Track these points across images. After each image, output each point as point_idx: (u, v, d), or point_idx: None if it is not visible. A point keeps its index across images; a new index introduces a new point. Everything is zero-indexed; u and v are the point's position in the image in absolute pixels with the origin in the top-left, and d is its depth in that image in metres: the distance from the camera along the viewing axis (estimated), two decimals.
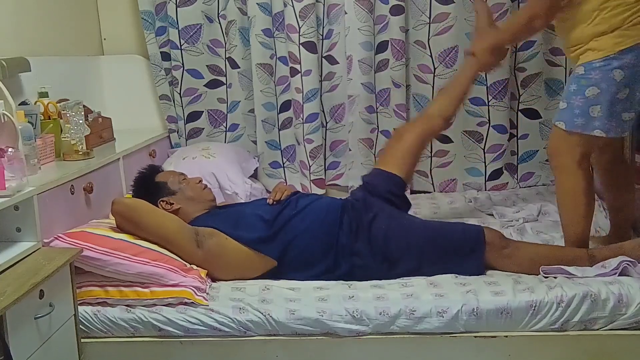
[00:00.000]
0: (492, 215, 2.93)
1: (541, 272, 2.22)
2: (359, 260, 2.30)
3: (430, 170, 3.42)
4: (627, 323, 2.03)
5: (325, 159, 3.46)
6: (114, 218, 2.32)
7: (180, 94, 3.45)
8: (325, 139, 3.43)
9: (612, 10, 2.16)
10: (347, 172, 3.45)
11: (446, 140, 3.36)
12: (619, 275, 2.14)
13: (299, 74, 3.26)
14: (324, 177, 3.44)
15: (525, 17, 2.38)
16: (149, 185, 2.50)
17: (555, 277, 2.17)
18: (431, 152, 3.39)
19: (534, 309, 2.04)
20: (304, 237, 2.32)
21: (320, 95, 3.36)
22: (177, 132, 3.51)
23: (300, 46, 3.23)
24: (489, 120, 3.30)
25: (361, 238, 2.32)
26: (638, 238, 2.36)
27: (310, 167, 3.37)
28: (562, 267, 2.20)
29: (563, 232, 2.40)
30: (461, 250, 2.28)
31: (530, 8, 2.37)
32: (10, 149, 1.95)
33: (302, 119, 3.31)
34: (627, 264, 2.15)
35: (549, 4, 2.28)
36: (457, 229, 2.36)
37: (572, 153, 2.27)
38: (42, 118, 2.54)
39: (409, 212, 2.62)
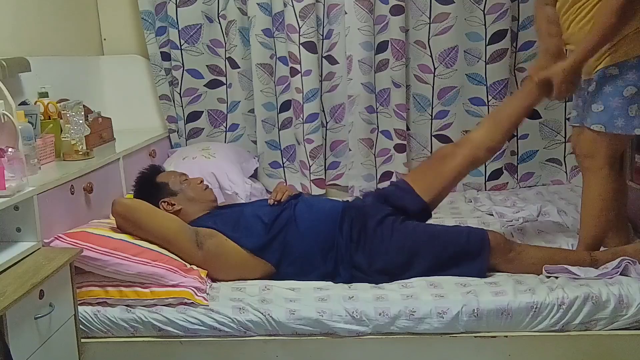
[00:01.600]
0: (492, 215, 2.93)
1: (544, 271, 2.22)
2: (359, 274, 2.28)
3: None
4: (627, 323, 2.04)
5: (325, 159, 3.46)
6: (114, 218, 2.31)
7: (180, 94, 3.45)
8: (325, 139, 3.43)
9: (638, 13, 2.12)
10: (347, 172, 3.45)
11: (446, 140, 3.36)
12: (620, 274, 2.14)
13: (299, 74, 3.26)
14: (324, 177, 3.44)
15: (611, 15, 2.10)
16: (150, 185, 2.50)
17: (557, 277, 2.17)
18: (431, 152, 3.38)
19: (535, 310, 2.04)
20: (302, 242, 2.31)
21: (321, 96, 3.36)
22: (177, 132, 3.51)
23: (301, 46, 3.23)
24: None
25: (361, 249, 2.29)
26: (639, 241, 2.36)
27: (310, 167, 3.37)
28: (565, 266, 2.20)
29: (580, 231, 2.38)
30: (465, 255, 2.26)
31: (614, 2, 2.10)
32: (10, 149, 1.95)
33: (302, 119, 3.31)
34: (628, 263, 2.16)
35: None
36: (461, 235, 2.32)
37: (606, 155, 2.26)
38: (42, 118, 2.53)
39: None
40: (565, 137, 3.33)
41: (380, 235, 2.30)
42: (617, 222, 2.47)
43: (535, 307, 2.04)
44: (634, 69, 2.18)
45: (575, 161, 2.76)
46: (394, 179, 2.78)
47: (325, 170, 3.46)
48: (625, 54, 2.17)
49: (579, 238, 2.40)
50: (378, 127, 3.38)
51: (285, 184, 3.45)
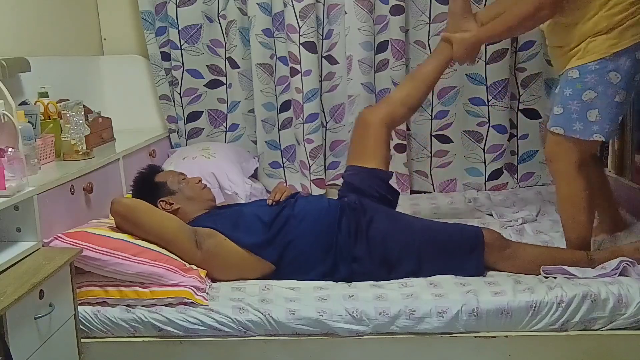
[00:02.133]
0: (492, 215, 2.93)
1: (542, 272, 2.22)
2: (358, 267, 2.29)
3: (430, 170, 3.43)
4: (626, 323, 2.03)
5: (325, 159, 3.46)
6: (113, 218, 2.32)
7: (180, 94, 3.45)
8: (325, 139, 3.43)
9: (611, 9, 2.13)
10: None
11: (446, 140, 3.36)
12: (618, 275, 2.14)
13: (299, 74, 3.26)
14: (324, 177, 3.44)
15: (529, 11, 2.22)
16: (149, 185, 2.50)
17: (555, 277, 2.18)
18: (431, 152, 3.39)
19: (534, 309, 2.04)
20: (302, 240, 2.32)
21: (320, 96, 3.36)
22: (177, 132, 3.51)
23: (301, 46, 3.23)
24: (488, 120, 3.30)
25: (360, 242, 2.31)
26: (637, 241, 2.36)
27: (310, 167, 3.37)
28: (563, 267, 2.20)
29: (565, 236, 2.39)
30: (460, 250, 2.28)
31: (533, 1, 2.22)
32: (10, 149, 1.95)
33: (302, 119, 3.31)
34: (627, 264, 2.16)
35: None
36: (455, 230, 2.36)
37: (571, 158, 2.24)
38: (42, 118, 2.53)
39: (408, 212, 2.61)
40: None
41: (375, 229, 2.32)
42: (608, 211, 2.50)
43: (534, 306, 2.04)
44: (593, 73, 2.15)
45: (543, 141, 2.78)
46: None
47: (325, 170, 3.46)
48: (586, 58, 2.16)
49: (565, 241, 2.39)
50: None
51: (285, 184, 3.45)
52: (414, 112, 2.67)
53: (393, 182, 2.74)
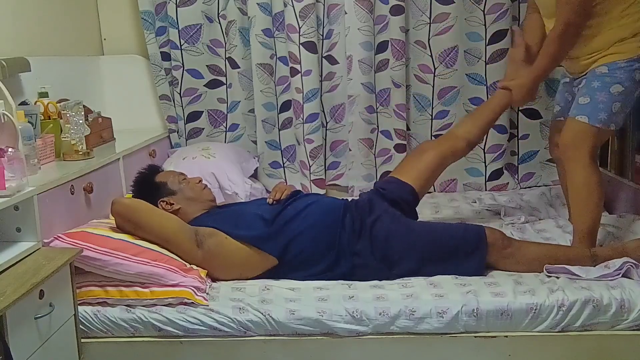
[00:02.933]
0: (499, 214, 2.92)
1: (545, 271, 2.22)
2: (359, 260, 2.30)
3: None
4: (627, 327, 2.03)
5: (325, 159, 3.46)
6: (113, 218, 2.31)
7: (180, 94, 3.45)
8: (325, 139, 3.43)
9: (632, 16, 2.29)
10: (347, 172, 3.45)
11: None
12: (622, 277, 2.13)
13: (299, 74, 3.26)
14: (324, 177, 3.44)
15: (559, 32, 2.35)
16: (149, 185, 2.50)
17: (558, 278, 2.17)
18: None
19: (535, 312, 2.03)
20: (305, 237, 2.32)
21: (321, 96, 3.36)
22: (177, 132, 3.51)
23: (301, 46, 3.23)
24: None
25: (363, 238, 2.32)
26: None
27: (310, 167, 3.37)
28: (566, 266, 2.19)
29: (573, 224, 2.43)
30: (462, 250, 2.28)
31: (561, 21, 2.35)
32: (10, 149, 1.95)
33: (302, 119, 3.31)
34: (631, 266, 2.14)
35: (581, 12, 2.31)
36: (458, 230, 2.36)
37: (588, 146, 2.35)
38: (42, 118, 2.53)
39: None
40: None
41: (379, 228, 2.33)
42: None
43: (535, 308, 2.03)
44: (622, 70, 2.32)
45: (549, 154, 2.93)
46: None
47: (325, 170, 3.46)
48: (615, 57, 2.32)
49: (573, 231, 2.43)
50: (378, 127, 3.38)
51: (285, 183, 3.45)
52: (472, 148, 2.76)
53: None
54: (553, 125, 2.74)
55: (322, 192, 3.41)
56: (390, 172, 3.34)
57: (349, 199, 2.62)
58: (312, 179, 3.38)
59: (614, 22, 2.32)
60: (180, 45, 3.38)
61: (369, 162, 3.40)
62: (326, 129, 3.43)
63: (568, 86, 2.60)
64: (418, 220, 2.55)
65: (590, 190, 2.36)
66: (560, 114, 2.63)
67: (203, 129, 3.52)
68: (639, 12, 2.30)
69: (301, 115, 3.31)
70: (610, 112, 2.32)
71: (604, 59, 2.35)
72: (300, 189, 3.36)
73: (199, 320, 2.10)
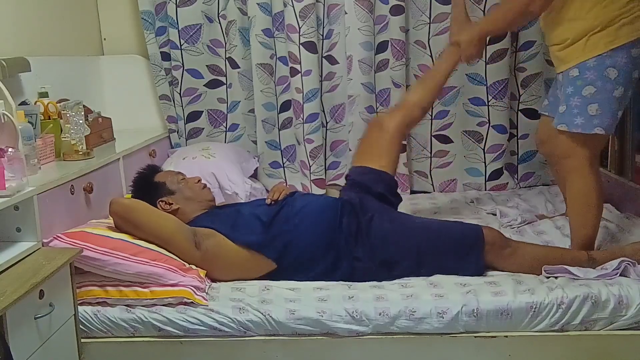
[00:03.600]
0: (494, 215, 2.92)
1: (544, 272, 2.22)
2: (359, 264, 2.29)
3: (430, 170, 3.42)
4: (626, 324, 2.03)
5: (325, 159, 3.45)
6: (112, 218, 2.32)
7: (180, 94, 3.45)
8: (325, 139, 3.43)
9: (605, 7, 2.19)
10: (347, 173, 3.45)
11: (446, 140, 3.36)
12: (619, 275, 2.14)
13: (299, 74, 3.26)
14: (324, 177, 3.44)
15: (520, 4, 2.32)
16: (148, 185, 2.50)
17: (556, 278, 2.17)
18: (431, 152, 3.39)
19: (534, 311, 2.04)
20: (302, 238, 2.32)
21: (321, 96, 3.36)
22: (177, 132, 3.51)
23: (301, 46, 3.23)
24: (488, 120, 3.30)
25: (361, 241, 2.31)
26: (638, 242, 2.36)
27: (310, 167, 3.37)
28: (565, 267, 2.20)
29: (571, 233, 2.41)
30: (460, 249, 2.28)
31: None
32: (10, 149, 1.95)
33: (303, 119, 3.31)
34: (628, 264, 2.16)
35: None
36: (456, 229, 2.36)
37: (584, 154, 2.29)
38: (42, 118, 2.53)
39: (408, 212, 2.62)
40: None
41: (375, 229, 2.33)
42: None
43: (534, 307, 2.04)
44: (592, 69, 2.22)
45: (539, 151, 2.95)
46: (352, 162, 2.84)
47: (325, 170, 3.46)
48: (585, 55, 2.23)
49: (571, 237, 2.42)
50: None
51: (285, 184, 3.45)
52: (426, 113, 2.76)
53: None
54: (541, 121, 2.69)
55: (322, 192, 3.41)
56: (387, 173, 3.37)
57: (345, 196, 2.61)
58: (312, 179, 3.38)
59: (584, 12, 2.22)
60: (180, 45, 3.38)
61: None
62: (326, 129, 3.43)
63: (557, 82, 2.52)
64: (415, 215, 2.55)
65: (587, 200, 2.32)
66: (546, 109, 2.60)
67: (203, 129, 3.52)
68: (613, 3, 2.18)
69: (301, 115, 3.31)
70: (587, 116, 2.23)
71: (574, 55, 2.25)
72: (301, 189, 3.37)
73: (199, 320, 2.10)
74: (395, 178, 2.63)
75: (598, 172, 2.36)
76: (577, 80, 2.25)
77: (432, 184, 3.44)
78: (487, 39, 2.67)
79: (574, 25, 2.24)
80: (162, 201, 2.45)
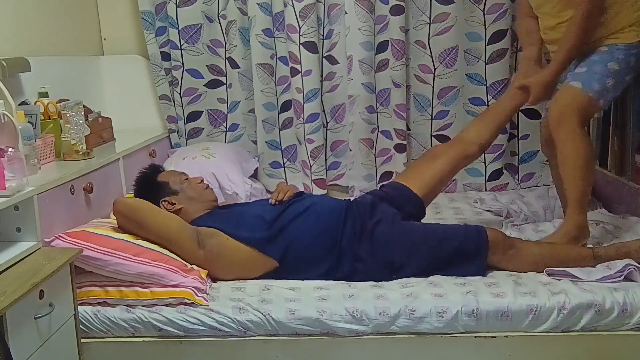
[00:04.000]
0: (500, 216, 2.92)
1: (545, 274, 2.21)
2: (361, 265, 2.29)
3: None
4: (628, 329, 2.03)
5: (326, 159, 3.45)
6: (115, 218, 2.31)
7: (180, 94, 3.45)
8: (325, 139, 3.43)
9: (633, 5, 2.39)
10: (347, 172, 3.45)
11: (446, 140, 3.35)
12: (624, 279, 2.12)
13: (300, 74, 3.25)
14: (325, 178, 3.44)
15: (578, 26, 2.38)
16: (151, 185, 2.50)
17: (559, 280, 2.16)
18: None
19: (535, 313, 2.03)
20: (306, 238, 2.32)
21: (321, 96, 3.35)
22: (177, 132, 3.51)
23: (301, 46, 3.23)
24: None
25: (364, 242, 2.31)
26: None
27: (311, 167, 3.37)
28: (566, 269, 2.18)
29: (567, 193, 2.43)
30: (464, 252, 2.27)
31: (580, 14, 2.37)
32: (10, 149, 1.95)
33: (303, 119, 3.31)
34: (633, 269, 2.12)
35: (599, 3, 2.37)
36: (459, 232, 2.34)
37: (578, 118, 2.35)
38: (42, 118, 2.53)
39: None
40: None
41: (380, 231, 2.32)
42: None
43: (535, 310, 2.03)
44: (620, 51, 2.39)
45: (543, 152, 2.92)
46: (394, 178, 2.81)
47: (326, 170, 3.45)
48: (614, 41, 2.40)
49: (567, 201, 2.43)
50: (378, 127, 3.38)
51: (286, 183, 3.45)
52: (483, 151, 2.78)
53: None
54: (545, 123, 2.71)
55: (323, 192, 3.41)
56: (389, 172, 3.37)
57: (351, 199, 2.62)
58: (313, 179, 3.38)
59: (614, 12, 2.38)
60: (180, 45, 3.38)
61: (369, 162, 3.40)
62: (326, 129, 3.43)
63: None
64: (420, 223, 2.51)
65: (580, 162, 2.37)
66: (561, 80, 2.63)
67: (203, 128, 3.52)
68: (636, 3, 2.38)
69: (302, 115, 3.31)
70: (604, 86, 2.36)
71: (604, 32, 2.40)
72: (303, 188, 3.37)
73: (199, 320, 2.10)
74: (425, 206, 2.59)
75: (588, 135, 2.43)
76: (605, 54, 2.39)
77: (440, 191, 3.41)
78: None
79: (603, 26, 2.39)
80: (165, 201, 2.45)
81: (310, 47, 3.24)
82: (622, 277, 2.12)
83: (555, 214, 2.92)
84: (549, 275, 2.21)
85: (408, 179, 2.59)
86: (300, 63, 3.24)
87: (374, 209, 2.41)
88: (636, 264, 2.14)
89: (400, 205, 2.48)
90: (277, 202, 2.45)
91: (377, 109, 3.35)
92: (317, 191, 3.39)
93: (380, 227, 2.34)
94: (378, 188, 2.68)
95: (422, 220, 2.55)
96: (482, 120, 2.75)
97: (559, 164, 2.46)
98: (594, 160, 2.42)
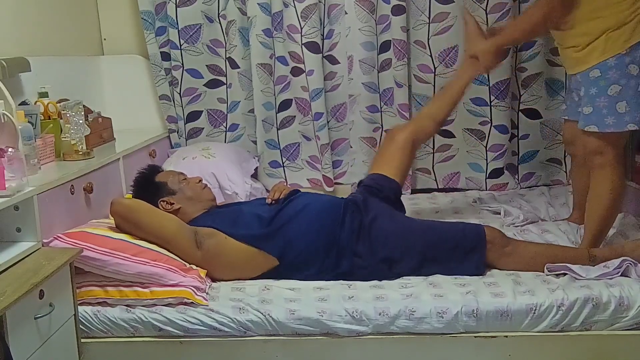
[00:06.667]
0: (499, 213, 2.91)
1: (546, 270, 2.22)
2: (360, 262, 2.30)
3: (433, 166, 3.42)
4: (627, 325, 2.03)
5: (329, 157, 3.46)
6: (112, 218, 2.31)
7: (180, 94, 3.45)
8: (327, 138, 3.43)
9: (619, 4, 2.23)
10: (349, 170, 3.46)
11: (448, 134, 3.35)
12: (620, 275, 2.14)
13: (304, 73, 3.26)
14: (331, 176, 3.44)
15: (538, 16, 2.39)
16: (149, 185, 2.50)
17: (557, 277, 2.17)
18: (433, 147, 3.38)
19: (534, 312, 2.03)
20: (304, 236, 2.32)
21: (324, 95, 3.35)
22: (177, 132, 3.51)
23: (303, 46, 3.23)
24: (490, 120, 3.30)
25: (362, 239, 2.32)
26: (638, 239, 2.36)
27: (321, 162, 3.38)
28: (567, 265, 2.20)
29: (586, 224, 2.41)
30: (462, 249, 2.28)
31: (545, 3, 2.37)
32: (10, 149, 1.95)
33: (312, 116, 3.31)
34: (629, 264, 2.15)
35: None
36: (457, 228, 2.36)
37: (611, 152, 2.32)
38: (42, 118, 2.53)
39: (409, 212, 2.63)
40: None
41: (378, 227, 2.33)
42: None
43: (534, 308, 2.03)
44: (613, 68, 2.25)
45: (567, 152, 2.97)
46: (369, 170, 2.89)
47: (332, 168, 3.46)
48: (604, 55, 2.26)
49: (585, 230, 2.42)
50: (382, 125, 3.38)
51: (285, 183, 3.45)
52: (441, 126, 2.82)
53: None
54: (564, 122, 2.71)
55: (330, 189, 3.41)
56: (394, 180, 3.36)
57: (343, 196, 2.63)
58: (323, 174, 3.40)
59: (600, 12, 2.25)
60: (180, 45, 3.38)
61: (370, 160, 3.40)
62: (328, 128, 3.43)
63: (572, 83, 2.54)
64: (418, 218, 2.57)
65: (615, 197, 2.35)
66: (566, 113, 2.64)
67: (203, 128, 3.52)
68: (625, 2, 2.23)
69: (310, 113, 3.31)
70: (617, 114, 2.26)
71: (593, 55, 2.27)
72: (300, 188, 3.36)
73: (199, 320, 2.10)
74: (400, 185, 2.65)
75: (623, 172, 2.38)
76: (599, 81, 2.27)
77: (436, 179, 3.42)
78: (508, 50, 2.69)
79: (591, 25, 2.27)
80: (163, 201, 2.45)
81: (312, 47, 3.24)
82: (619, 274, 2.14)
83: (556, 213, 2.92)
84: (549, 270, 2.21)
85: (380, 167, 2.65)
86: (304, 62, 3.24)
87: (367, 205, 2.43)
88: (632, 260, 2.16)
89: (387, 196, 2.54)
90: (273, 202, 2.46)
91: (381, 108, 3.35)
92: (326, 188, 3.41)
93: (378, 223, 2.35)
94: (356, 185, 2.71)
95: (421, 218, 2.58)
96: (437, 96, 2.81)
97: (589, 189, 2.43)
98: (622, 198, 2.39)
